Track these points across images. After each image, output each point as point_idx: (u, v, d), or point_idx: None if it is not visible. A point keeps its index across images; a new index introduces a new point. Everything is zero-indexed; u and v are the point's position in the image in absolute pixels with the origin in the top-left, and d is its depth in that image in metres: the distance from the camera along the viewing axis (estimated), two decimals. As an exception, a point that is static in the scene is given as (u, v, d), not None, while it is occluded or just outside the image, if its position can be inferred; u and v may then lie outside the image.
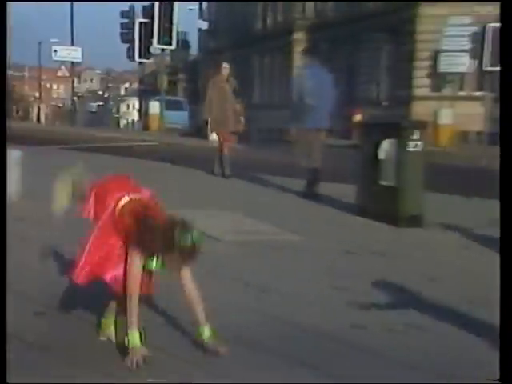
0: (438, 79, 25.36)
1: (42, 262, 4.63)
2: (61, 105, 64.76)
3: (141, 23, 25.01)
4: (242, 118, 10.73)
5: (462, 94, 25.56)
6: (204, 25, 32.28)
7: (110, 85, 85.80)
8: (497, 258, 5.53)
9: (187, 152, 16.38)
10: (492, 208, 8.10)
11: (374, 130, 7.66)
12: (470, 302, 4.23)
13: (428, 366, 3.27)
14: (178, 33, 25.47)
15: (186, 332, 3.39)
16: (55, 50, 30.01)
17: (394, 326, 3.78)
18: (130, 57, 26.43)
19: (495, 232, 6.45)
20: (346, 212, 7.41)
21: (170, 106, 26.67)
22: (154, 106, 26.65)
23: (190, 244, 3.00)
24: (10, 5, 20.96)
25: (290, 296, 4.29)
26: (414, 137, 6.78)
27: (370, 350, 3.47)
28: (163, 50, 25.72)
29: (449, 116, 23.59)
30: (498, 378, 2.61)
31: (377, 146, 7.00)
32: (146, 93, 34.08)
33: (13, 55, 30.85)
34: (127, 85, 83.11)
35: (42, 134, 20.25)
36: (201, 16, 33.02)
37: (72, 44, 30.38)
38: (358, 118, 22.82)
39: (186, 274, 3.18)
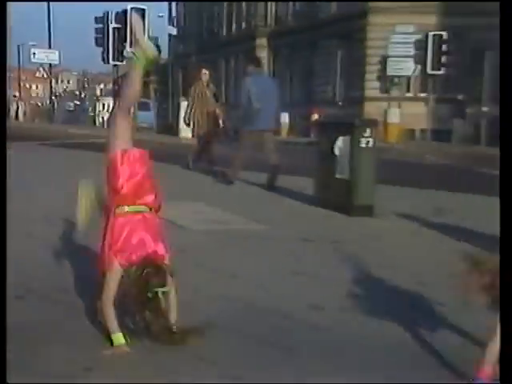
0: (387, 82, 25.57)
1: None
2: (40, 104, 63.65)
3: (114, 28, 24.69)
4: (221, 121, 10.68)
5: (408, 95, 25.81)
6: (173, 31, 32.05)
7: (86, 85, 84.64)
8: (443, 242, 5.64)
9: (158, 147, 16.23)
10: (436, 198, 8.25)
11: (330, 128, 7.68)
12: (419, 283, 4.28)
13: (379, 343, 3.30)
14: (149, 38, 25.29)
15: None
16: (34, 53, 29.48)
17: (348, 307, 3.81)
18: (104, 59, 26.07)
19: (440, 220, 6.56)
20: (304, 203, 7.43)
21: (139, 106, 26.52)
22: (128, 106, 26.46)
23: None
24: (9, 5, 20.43)
25: (254, 281, 4.29)
26: (366, 134, 6.81)
27: (327, 328, 3.49)
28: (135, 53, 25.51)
29: (397, 115, 23.83)
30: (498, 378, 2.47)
31: (332, 142, 7.03)
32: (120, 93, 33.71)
33: (-6, 57, 30.10)
34: (102, 85, 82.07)
35: (21, 130, 19.87)
36: (170, 22, 32.76)
37: (50, 47, 29.86)
38: (315, 117, 22.89)
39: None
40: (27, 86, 76.66)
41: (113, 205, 3.15)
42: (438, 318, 3.66)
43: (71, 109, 63.84)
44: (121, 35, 24.18)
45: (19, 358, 2.87)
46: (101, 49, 25.90)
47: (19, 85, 52.34)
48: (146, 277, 3.01)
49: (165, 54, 36.58)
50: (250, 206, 7.18)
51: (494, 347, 2.81)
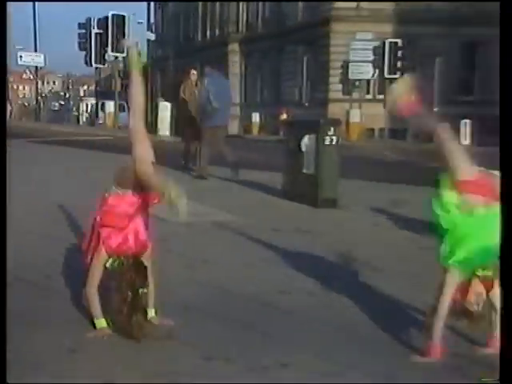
0: (349, 85, 25.71)
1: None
2: (27, 104, 62.60)
3: (96, 34, 24.39)
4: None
5: (367, 97, 26.00)
6: (152, 36, 31.75)
7: (70, 87, 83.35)
8: (398, 231, 5.69)
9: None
10: (393, 191, 8.31)
11: (297, 126, 7.68)
12: (375, 269, 4.31)
13: (342, 324, 3.32)
14: (129, 43, 25.03)
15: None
16: (20, 56, 28.93)
17: (313, 291, 3.82)
18: (87, 62, 25.75)
19: (396, 210, 6.61)
20: (274, 196, 7.42)
21: (119, 108, 26.31)
22: (110, 106, 26.25)
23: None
24: (9, 5, 19.89)
25: (227, 267, 4.28)
26: (330, 133, 6.81)
27: (294, 311, 3.49)
28: (116, 57, 25.19)
29: (358, 115, 24.00)
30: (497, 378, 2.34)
31: (299, 140, 7.02)
32: (102, 94, 33.28)
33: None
34: (85, 87, 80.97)
35: (9, 129, 19.50)
36: (149, 28, 32.46)
37: (35, 50, 29.34)
38: (284, 116, 22.92)
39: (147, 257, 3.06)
40: (14, 87, 75.27)
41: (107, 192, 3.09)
42: (392, 299, 3.70)
43: (56, 108, 62.84)
44: (102, 40, 23.93)
45: (8, 342, 2.81)
46: (84, 52, 25.57)
47: (6, 89, 51.24)
48: (128, 273, 2.96)
49: (144, 58, 36.30)
50: (224, 200, 7.14)
51: (438, 324, 2.84)
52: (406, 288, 3.85)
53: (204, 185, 8.45)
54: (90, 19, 25.25)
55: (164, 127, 19.92)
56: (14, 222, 5.02)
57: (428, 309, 2.94)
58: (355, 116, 23.99)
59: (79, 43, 26.08)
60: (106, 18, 23.81)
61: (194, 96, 10.19)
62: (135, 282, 2.96)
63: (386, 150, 17.23)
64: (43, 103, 33.79)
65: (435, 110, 22.17)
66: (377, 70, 24.02)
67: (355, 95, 25.23)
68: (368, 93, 26.21)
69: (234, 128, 30.77)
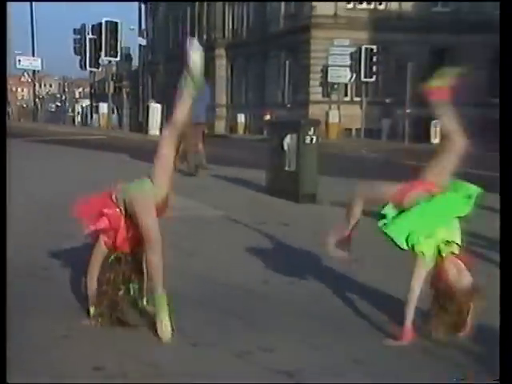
0: (328, 88, 25.77)
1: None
2: (25, 105, 61.94)
3: (90, 39, 24.20)
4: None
5: (345, 99, 26.07)
6: (143, 42, 31.53)
7: (66, 89, 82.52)
8: (374, 223, 5.70)
9: (129, 144, 16.02)
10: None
11: (279, 126, 7.67)
12: (355, 261, 4.31)
13: (320, 311, 3.32)
14: (121, 48, 24.89)
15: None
16: (19, 60, 28.59)
17: (294, 280, 3.82)
18: (82, 66, 25.53)
19: (375, 206, 6.63)
20: (258, 192, 7.41)
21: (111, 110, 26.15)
22: (103, 108, 26.08)
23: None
24: (9, 5, 19.51)
25: (214, 259, 4.26)
26: (310, 132, 6.82)
27: (276, 299, 3.49)
28: (110, 61, 25.01)
29: (336, 116, 24.08)
30: (497, 378, 2.24)
31: (282, 139, 7.01)
32: (96, 96, 33.01)
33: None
34: (81, 89, 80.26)
35: (8, 129, 19.30)
36: (140, 34, 32.23)
37: (33, 55, 29.01)
38: (267, 117, 22.92)
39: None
40: (13, 89, 74.41)
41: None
42: (368, 286, 3.71)
43: (53, 110, 62.29)
44: (96, 45, 23.79)
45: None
46: (79, 57, 25.36)
47: (6, 90, 50.65)
48: (124, 268, 2.93)
49: (136, 62, 36.03)
50: (211, 195, 7.12)
51: (409, 309, 2.85)
52: (383, 276, 3.87)
53: (192, 181, 8.41)
54: (85, 25, 25.06)
55: (154, 127, 19.87)
56: (12, 217, 4.96)
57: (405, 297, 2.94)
58: (334, 117, 24.07)
59: (74, 48, 25.87)
60: (100, 24, 23.66)
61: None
62: (130, 277, 2.93)
63: (362, 149, 17.31)
64: (40, 105, 33.45)
65: (408, 111, 22.33)
66: (354, 74, 24.11)
67: (334, 97, 25.29)
68: (346, 95, 26.29)
69: (220, 128, 30.70)
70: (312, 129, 6.86)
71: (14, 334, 2.77)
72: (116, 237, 2.95)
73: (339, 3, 26.67)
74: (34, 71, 29.95)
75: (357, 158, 14.41)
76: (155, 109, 20.02)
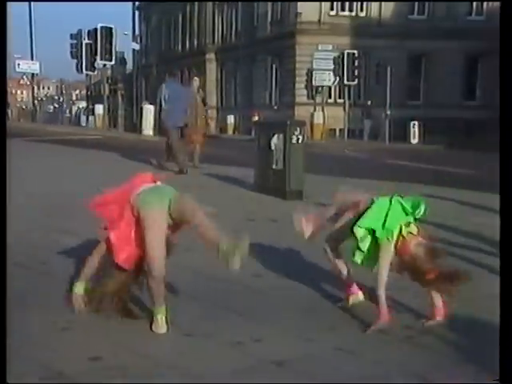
0: (313, 90, 25.76)
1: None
2: (24, 107, 61.20)
3: (86, 44, 24.01)
4: (210, 122, 10.38)
5: (329, 101, 26.08)
6: (136, 46, 31.31)
7: (63, 91, 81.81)
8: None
9: (124, 143, 15.91)
10: (352, 183, 8.35)
11: (267, 127, 7.64)
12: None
13: (307, 303, 3.31)
14: (116, 52, 24.75)
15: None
16: (18, 64, 28.27)
17: (282, 274, 3.80)
18: (79, 70, 25.31)
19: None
20: (247, 189, 7.38)
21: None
22: (99, 109, 25.93)
23: None
24: (9, 5, 19.18)
25: (207, 254, 4.22)
26: (296, 132, 6.80)
27: (265, 292, 3.47)
28: (105, 64, 24.84)
29: (321, 117, 24.10)
30: (497, 377, 2.16)
31: (269, 139, 6.98)
32: (92, 98, 32.76)
33: (-17, 67, 28.66)
34: (77, 92, 79.69)
35: (8, 129, 19.09)
36: (134, 39, 32.05)
37: (32, 58, 28.71)
38: (255, 118, 22.85)
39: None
40: (13, 91, 73.67)
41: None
42: (355, 279, 3.69)
43: (51, 111, 61.64)
44: (92, 49, 23.64)
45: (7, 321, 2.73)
46: (75, 60, 25.15)
47: (6, 91, 50.12)
48: (124, 279, 2.87)
49: (130, 66, 35.87)
50: (203, 193, 7.07)
51: (381, 293, 2.93)
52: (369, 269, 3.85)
53: (184, 179, 8.36)
54: (81, 31, 24.86)
55: (148, 127, 19.79)
56: (13, 213, 4.90)
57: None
58: (319, 118, 24.09)
59: (71, 52, 25.66)
60: (96, 29, 23.50)
61: (195, 102, 9.88)
62: (128, 278, 2.89)
63: (345, 148, 17.35)
64: (39, 106, 33.14)
65: (387, 112, 22.40)
66: (337, 78, 24.13)
67: (318, 99, 25.30)
68: (330, 97, 26.31)
69: (211, 128, 30.58)
70: (298, 129, 6.84)
71: (13, 327, 2.73)
72: (122, 250, 2.81)
73: (323, 10, 26.69)
74: (32, 74, 29.64)
75: (340, 157, 14.44)
76: (149, 110, 19.93)
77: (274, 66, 29.18)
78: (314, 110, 24.77)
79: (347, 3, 27.15)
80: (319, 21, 26.70)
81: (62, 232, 4.49)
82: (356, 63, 23.86)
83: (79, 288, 2.90)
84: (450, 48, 25.55)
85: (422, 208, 2.97)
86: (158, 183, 2.98)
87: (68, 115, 49.26)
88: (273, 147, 6.96)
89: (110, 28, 23.42)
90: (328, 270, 3.91)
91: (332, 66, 23.98)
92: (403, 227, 2.95)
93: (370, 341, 2.82)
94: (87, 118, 29.90)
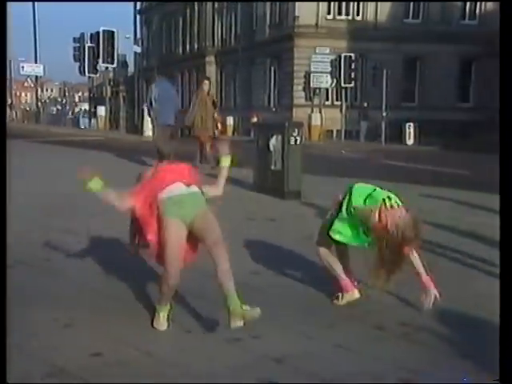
0: (310, 92, 25.75)
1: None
2: (28, 109, 61.11)
3: (89, 47, 23.99)
4: (220, 124, 10.31)
5: (327, 103, 26.07)
6: (138, 49, 31.31)
7: (66, 93, 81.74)
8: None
9: (125, 145, 15.90)
10: (349, 183, 8.34)
11: (265, 128, 7.62)
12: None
13: (304, 300, 3.30)
14: (118, 55, 24.73)
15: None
16: (22, 67, 28.26)
17: (280, 272, 3.79)
18: (81, 72, 25.30)
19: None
20: (247, 189, 7.37)
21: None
22: (101, 110, 25.91)
23: None
24: (9, 5, 19.11)
25: (206, 252, 4.21)
26: (295, 134, 6.78)
27: (263, 289, 3.46)
28: (107, 67, 24.81)
29: (318, 119, 24.08)
30: (497, 377, 2.09)
31: (268, 140, 6.97)
32: (95, 100, 32.72)
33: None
34: (80, 94, 79.62)
35: (13, 130, 19.06)
36: (136, 42, 32.03)
37: (36, 61, 28.68)
38: (254, 119, 22.84)
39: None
40: (17, 94, 73.61)
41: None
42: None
43: (54, 113, 61.57)
44: (95, 52, 23.62)
45: (10, 317, 2.72)
46: (78, 63, 25.13)
47: (11, 93, 50.19)
48: None
49: (131, 68, 35.84)
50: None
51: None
52: (357, 264, 3.84)
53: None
54: (84, 34, 24.85)
55: (149, 129, 19.76)
56: (17, 212, 4.89)
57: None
58: (316, 119, 24.07)
59: (74, 55, 25.65)
60: (98, 33, 23.49)
61: (205, 103, 9.76)
62: None
63: (342, 149, 17.33)
64: (43, 108, 33.05)
65: (383, 114, 22.39)
66: (334, 80, 24.12)
67: (316, 101, 25.29)
68: (327, 99, 26.30)
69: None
70: (296, 130, 6.83)
71: (16, 323, 2.72)
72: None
73: (320, 14, 26.69)
74: (36, 77, 29.64)
75: (338, 158, 14.44)
76: (150, 112, 19.89)
77: (272, 69, 29.17)
78: (312, 111, 24.76)
79: (344, 7, 27.17)
80: (317, 24, 26.69)
81: (62, 231, 4.48)
82: (353, 66, 23.86)
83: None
84: (445, 51, 25.55)
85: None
86: (192, 187, 2.88)
87: (70, 117, 49.24)
88: (271, 148, 6.94)
89: (112, 31, 23.40)
90: (326, 268, 3.90)
91: (329, 69, 23.97)
92: (386, 200, 3.01)
93: (369, 338, 2.80)
94: (89, 120, 29.86)
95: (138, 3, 36.72)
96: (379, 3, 26.80)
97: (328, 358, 2.60)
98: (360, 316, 3.05)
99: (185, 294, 3.24)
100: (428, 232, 3.58)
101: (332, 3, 26.85)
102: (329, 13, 27.07)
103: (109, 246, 4.17)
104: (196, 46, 35.74)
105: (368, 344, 2.75)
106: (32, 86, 33.41)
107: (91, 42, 24.09)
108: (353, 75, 23.88)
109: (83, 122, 27.98)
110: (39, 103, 32.61)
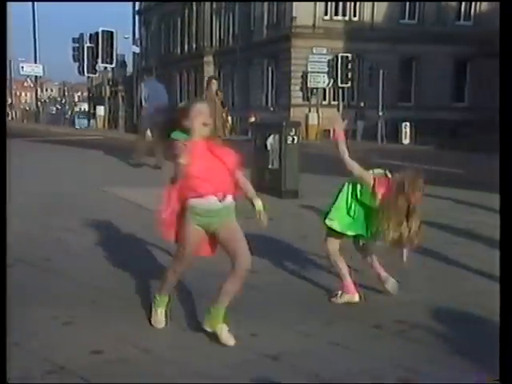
0: (308, 92, 25.74)
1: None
2: (28, 108, 60.93)
3: (88, 47, 23.95)
4: (228, 124, 10.30)
5: (324, 102, 26.08)
6: (137, 50, 31.23)
7: (65, 93, 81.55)
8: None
9: (124, 144, 15.85)
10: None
11: (263, 128, 7.62)
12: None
13: (301, 298, 3.30)
14: (117, 55, 24.70)
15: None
16: (22, 67, 28.20)
17: (277, 270, 3.79)
18: (81, 72, 25.27)
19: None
20: (244, 188, 7.35)
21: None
22: (100, 110, 25.88)
23: None
24: (9, 5, 19.04)
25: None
26: (292, 133, 6.79)
27: (261, 287, 3.46)
28: (106, 67, 24.78)
29: (315, 118, 24.09)
30: (498, 377, 2.05)
31: (265, 139, 6.97)
32: (94, 100, 32.64)
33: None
34: (79, 93, 79.48)
35: (13, 129, 19.01)
36: (134, 43, 31.97)
37: (35, 62, 28.62)
38: (252, 119, 22.83)
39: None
40: (17, 93, 73.43)
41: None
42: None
43: (53, 112, 61.43)
44: (94, 52, 23.60)
45: (10, 316, 2.72)
46: (77, 63, 25.08)
47: (11, 93, 50.05)
48: None
49: (130, 68, 35.80)
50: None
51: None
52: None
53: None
54: (83, 34, 24.81)
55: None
56: (17, 211, 4.87)
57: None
58: (313, 119, 24.09)
59: (73, 55, 25.61)
60: (97, 33, 23.46)
61: (214, 103, 9.72)
62: None
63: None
64: (42, 108, 32.99)
65: (380, 114, 22.40)
66: (331, 80, 24.12)
67: (313, 101, 25.29)
68: (324, 99, 26.30)
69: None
70: (293, 130, 6.83)
71: (16, 322, 2.71)
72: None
73: (317, 15, 26.69)
74: (36, 77, 29.59)
75: (334, 157, 14.40)
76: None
77: (270, 69, 29.16)
78: (309, 111, 24.77)
79: (341, 8, 27.17)
80: (314, 25, 26.69)
81: (62, 230, 4.47)
82: (349, 66, 23.87)
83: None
84: (440, 52, 25.58)
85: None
86: (226, 200, 2.82)
87: (67, 117, 49.14)
88: (269, 147, 6.94)
89: (111, 32, 23.38)
90: (323, 266, 3.91)
91: (326, 69, 23.98)
92: (386, 173, 3.23)
93: (366, 336, 2.80)
94: (88, 120, 29.80)
95: (137, 4, 36.63)
96: (375, 4, 26.83)
97: (325, 355, 2.60)
98: (357, 314, 3.06)
99: (184, 293, 3.24)
100: (425, 231, 3.58)
101: (329, 4, 26.85)
102: (326, 13, 27.07)
103: (108, 245, 4.17)
104: (194, 46, 35.70)
105: (365, 342, 2.75)
106: (32, 85, 33.36)
107: (90, 42, 24.05)
108: (350, 75, 23.89)
109: (78, 122, 27.87)
110: (39, 103, 32.55)
